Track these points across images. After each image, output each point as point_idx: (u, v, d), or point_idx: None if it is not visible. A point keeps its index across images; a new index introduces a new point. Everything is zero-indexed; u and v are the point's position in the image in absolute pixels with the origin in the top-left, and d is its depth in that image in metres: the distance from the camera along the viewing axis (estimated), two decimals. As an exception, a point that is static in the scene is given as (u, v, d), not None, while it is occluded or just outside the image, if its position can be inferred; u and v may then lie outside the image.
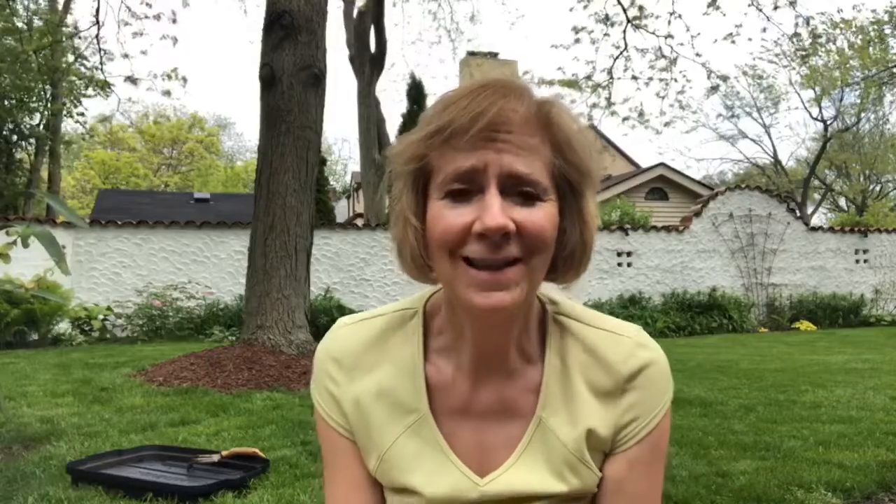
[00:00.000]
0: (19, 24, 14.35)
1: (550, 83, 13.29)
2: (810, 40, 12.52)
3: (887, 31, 15.03)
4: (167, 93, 13.38)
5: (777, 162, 32.23)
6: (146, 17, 11.95)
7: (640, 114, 13.32)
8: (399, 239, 0.81)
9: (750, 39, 32.69)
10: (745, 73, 24.41)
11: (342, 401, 0.87)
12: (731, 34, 12.10)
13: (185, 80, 13.01)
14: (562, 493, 0.82)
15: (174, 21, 13.42)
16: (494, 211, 0.71)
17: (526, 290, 0.75)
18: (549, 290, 0.86)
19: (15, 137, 18.90)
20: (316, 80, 6.33)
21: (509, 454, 0.83)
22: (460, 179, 0.73)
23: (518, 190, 0.73)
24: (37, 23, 15.95)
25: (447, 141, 0.73)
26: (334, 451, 0.89)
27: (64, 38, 13.90)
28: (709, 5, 11.47)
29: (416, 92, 16.17)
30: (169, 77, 12.88)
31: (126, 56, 15.26)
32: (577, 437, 0.82)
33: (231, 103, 63.66)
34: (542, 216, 0.74)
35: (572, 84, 12.91)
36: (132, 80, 12.40)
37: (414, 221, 0.78)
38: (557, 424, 0.83)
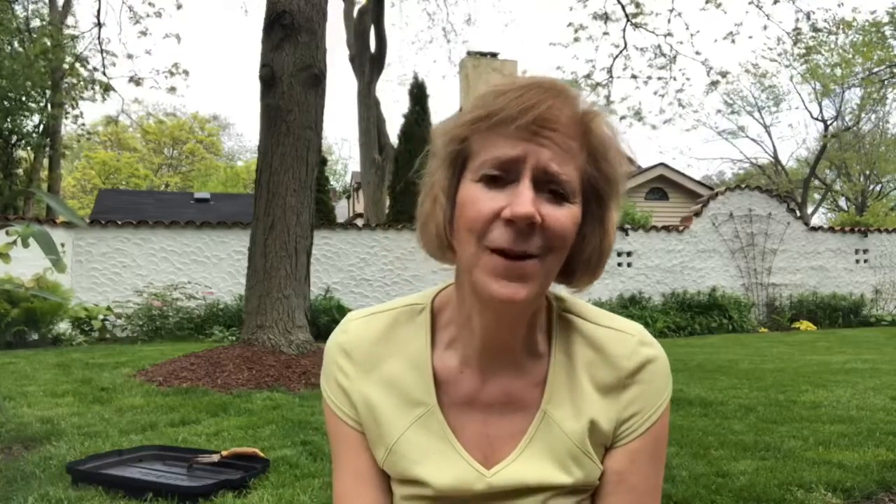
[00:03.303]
0: (15, 26, 14.30)
1: None
2: (811, 34, 12.52)
3: (888, 33, 15.02)
4: (172, 89, 13.30)
5: (777, 162, 32.25)
6: (148, 15, 11.96)
7: (637, 112, 13.32)
8: (426, 214, 0.83)
9: (751, 37, 32.64)
10: (747, 71, 24.39)
11: (352, 393, 0.88)
12: (731, 33, 12.10)
13: (186, 73, 12.98)
14: (566, 485, 0.84)
15: (179, 6, 13.16)
16: (525, 200, 0.73)
17: (540, 285, 0.77)
18: (555, 287, 0.88)
19: (15, 138, 18.89)
20: (316, 80, 6.33)
21: (515, 446, 0.86)
22: (499, 167, 0.75)
23: (549, 188, 0.76)
24: (35, 24, 15.90)
25: (493, 127, 0.75)
26: (343, 442, 0.91)
27: (64, 41, 13.87)
28: (707, 1, 11.46)
29: (418, 92, 16.13)
30: (171, 73, 12.88)
31: (130, 56, 15.23)
32: (581, 430, 0.85)
33: (231, 103, 63.69)
34: (566, 215, 0.76)
35: (573, 85, 12.89)
36: (136, 80, 12.39)
37: (443, 200, 0.80)
38: (562, 417, 0.85)
